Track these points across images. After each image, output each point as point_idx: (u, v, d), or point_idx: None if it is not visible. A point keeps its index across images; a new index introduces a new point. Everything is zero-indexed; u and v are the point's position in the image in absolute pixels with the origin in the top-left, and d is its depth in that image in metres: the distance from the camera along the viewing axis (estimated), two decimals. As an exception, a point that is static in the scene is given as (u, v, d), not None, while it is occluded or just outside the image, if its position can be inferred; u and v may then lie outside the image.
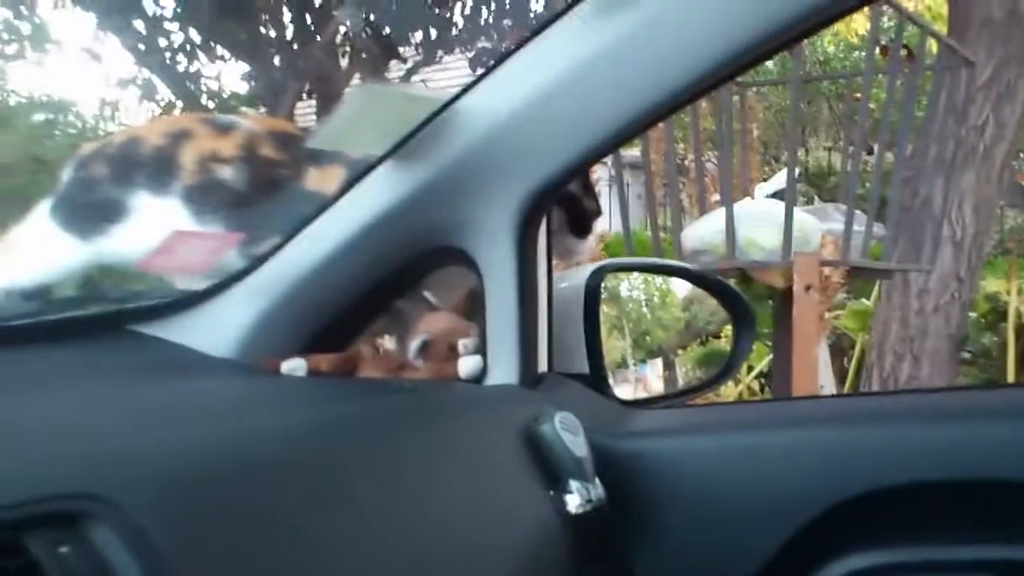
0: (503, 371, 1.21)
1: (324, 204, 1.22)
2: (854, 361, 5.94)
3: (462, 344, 1.22)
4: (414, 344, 1.21)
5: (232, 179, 1.75)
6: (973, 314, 5.56)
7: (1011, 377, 5.41)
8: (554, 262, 1.36)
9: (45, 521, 0.53)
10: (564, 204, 1.56)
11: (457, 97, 1.16)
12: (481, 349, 1.23)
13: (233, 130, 1.82)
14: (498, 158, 1.15)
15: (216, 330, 1.22)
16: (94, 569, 0.53)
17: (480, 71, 1.19)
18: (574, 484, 1.03)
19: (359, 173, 1.21)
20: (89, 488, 0.56)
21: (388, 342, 1.25)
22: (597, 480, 1.06)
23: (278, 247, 1.23)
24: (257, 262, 1.23)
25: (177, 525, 0.58)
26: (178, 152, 1.77)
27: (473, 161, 1.16)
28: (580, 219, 1.62)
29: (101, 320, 1.23)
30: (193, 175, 1.76)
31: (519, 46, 1.14)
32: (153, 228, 1.69)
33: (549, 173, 1.15)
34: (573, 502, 1.02)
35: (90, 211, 1.76)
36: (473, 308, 1.27)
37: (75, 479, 0.57)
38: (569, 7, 1.10)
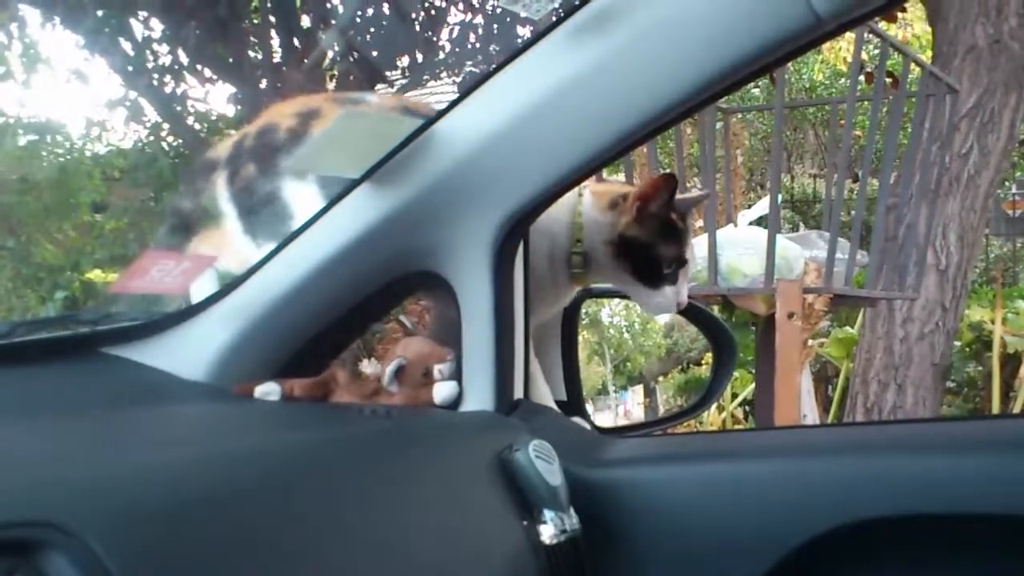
0: (478, 397, 1.20)
1: (301, 227, 1.21)
2: (838, 389, 5.94)
3: (437, 369, 1.21)
4: (389, 368, 1.20)
5: None
6: (957, 343, 5.56)
7: (996, 407, 5.41)
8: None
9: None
10: (620, 246, 1.45)
11: (434, 120, 1.15)
12: (457, 375, 1.21)
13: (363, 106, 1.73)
14: (475, 182, 1.14)
15: (190, 353, 1.21)
16: None
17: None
18: (548, 514, 1.01)
19: (335, 196, 1.20)
20: (46, 516, 0.54)
21: (364, 366, 1.24)
22: (572, 510, 1.05)
23: (253, 270, 1.22)
24: (232, 285, 1.23)
25: (138, 555, 0.56)
26: (309, 132, 1.61)
27: (450, 185, 1.15)
28: (648, 265, 1.46)
29: (74, 342, 1.21)
30: None
31: (495, 71, 1.14)
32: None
33: (526, 197, 1.14)
34: (547, 532, 1.01)
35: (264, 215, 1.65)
36: (450, 333, 1.26)
37: (32, 506, 0.55)
38: (545, 32, 1.10)
